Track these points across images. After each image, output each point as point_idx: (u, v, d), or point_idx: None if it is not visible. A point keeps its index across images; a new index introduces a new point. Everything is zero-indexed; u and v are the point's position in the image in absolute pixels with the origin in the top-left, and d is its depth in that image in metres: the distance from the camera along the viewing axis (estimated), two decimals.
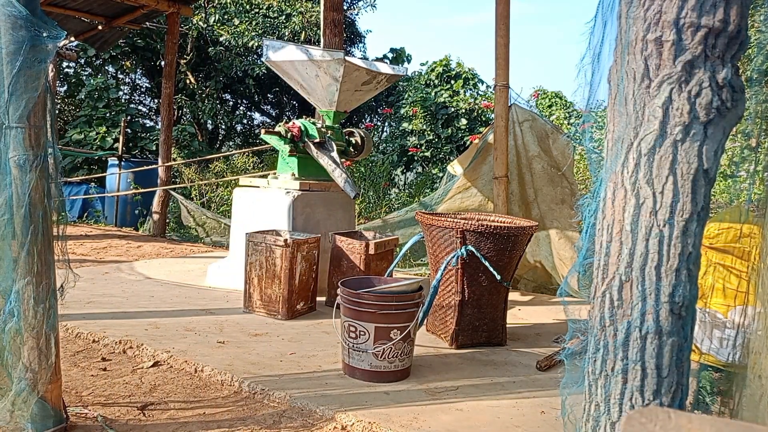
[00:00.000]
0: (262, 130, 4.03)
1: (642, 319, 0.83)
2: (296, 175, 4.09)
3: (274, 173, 4.29)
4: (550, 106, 11.06)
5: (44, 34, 1.76)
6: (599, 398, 0.86)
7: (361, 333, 2.44)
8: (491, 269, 2.91)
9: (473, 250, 2.86)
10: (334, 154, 3.97)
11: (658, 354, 0.82)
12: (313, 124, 4.04)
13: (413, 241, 3.36)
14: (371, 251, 3.53)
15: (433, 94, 9.59)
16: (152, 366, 2.58)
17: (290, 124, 3.99)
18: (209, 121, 12.59)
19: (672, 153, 0.82)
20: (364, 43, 13.22)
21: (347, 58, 3.97)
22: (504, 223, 3.26)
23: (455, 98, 9.50)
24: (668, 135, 0.82)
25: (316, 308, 3.59)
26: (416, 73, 10.71)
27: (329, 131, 4.17)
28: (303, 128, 3.99)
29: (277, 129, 3.95)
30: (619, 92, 0.87)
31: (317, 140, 3.98)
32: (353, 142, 4.46)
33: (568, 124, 9.83)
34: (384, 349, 2.43)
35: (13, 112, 1.75)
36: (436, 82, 9.92)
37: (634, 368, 0.83)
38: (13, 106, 1.75)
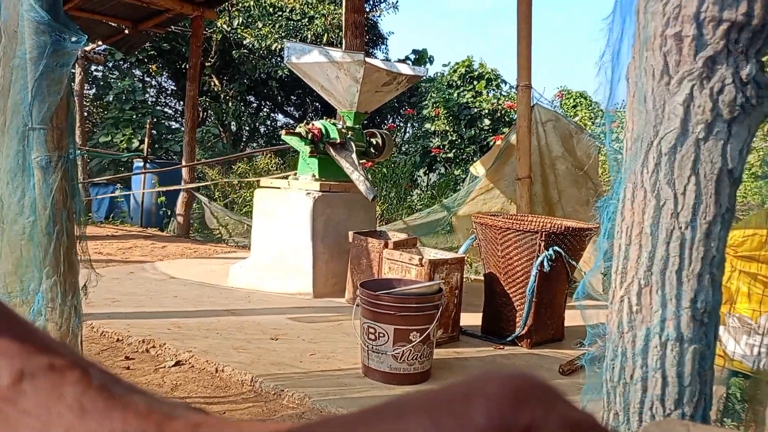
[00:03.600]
0: (283, 132, 4.05)
1: (662, 326, 0.79)
2: (317, 176, 4.10)
3: (295, 174, 4.31)
4: (574, 106, 10.92)
5: (66, 39, 1.79)
6: (618, 407, 0.83)
7: (381, 335, 2.43)
8: (575, 265, 3.07)
9: (561, 251, 2.92)
10: (354, 156, 3.97)
11: (679, 362, 0.79)
12: (334, 125, 4.05)
13: (467, 245, 3.43)
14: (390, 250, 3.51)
15: (455, 94, 9.54)
16: (174, 365, 2.61)
17: (311, 125, 4.00)
18: (233, 123, 12.73)
19: (694, 152, 0.79)
20: (387, 45, 13.23)
21: (367, 59, 3.96)
22: (570, 225, 3.26)
23: (478, 99, 9.43)
24: (690, 133, 0.79)
25: (458, 338, 3.14)
26: (439, 74, 10.67)
27: (350, 132, 4.17)
28: (323, 129, 3.99)
29: (297, 130, 3.96)
30: (638, 90, 0.84)
31: (338, 141, 3.99)
32: (374, 143, 4.45)
33: (593, 124, 9.69)
34: (403, 351, 2.41)
35: (37, 114, 1.77)
36: (459, 82, 9.87)
37: (654, 376, 0.80)
38: (36, 108, 1.78)
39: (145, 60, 11.85)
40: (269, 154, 9.03)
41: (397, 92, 4.44)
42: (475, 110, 9.28)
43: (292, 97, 13.32)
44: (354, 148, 4.03)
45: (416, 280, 2.89)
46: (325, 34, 10.73)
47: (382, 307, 2.42)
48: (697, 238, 0.79)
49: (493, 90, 9.88)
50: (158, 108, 12.22)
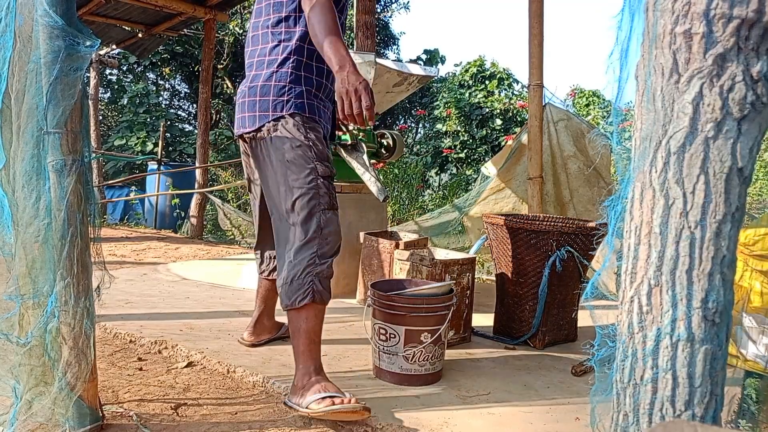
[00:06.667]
0: None
1: (673, 326, 0.79)
2: None
3: None
4: (587, 105, 10.85)
5: (80, 43, 1.81)
6: (628, 408, 0.83)
7: (392, 336, 2.43)
8: (587, 265, 3.02)
9: (573, 251, 2.90)
10: (365, 157, 3.97)
11: (690, 362, 0.78)
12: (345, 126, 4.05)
13: (479, 245, 3.42)
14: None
15: (467, 94, 9.51)
16: (186, 366, 2.63)
17: None
18: None
19: (703, 151, 0.78)
20: (398, 45, 13.24)
21: (378, 59, 3.97)
22: (581, 223, 3.21)
23: (490, 98, 9.41)
24: (699, 132, 0.78)
25: (470, 338, 3.11)
26: (450, 74, 10.65)
27: (360, 133, 4.17)
28: None
29: None
30: (646, 88, 0.83)
31: (348, 143, 3.99)
32: (385, 143, 4.45)
33: (606, 123, 9.62)
34: (414, 352, 2.41)
35: (51, 118, 1.80)
36: (470, 82, 9.84)
37: (665, 377, 0.79)
38: (51, 112, 1.80)
39: (159, 63, 11.97)
40: None
41: (408, 93, 4.44)
42: (487, 110, 9.26)
43: None
44: (365, 149, 4.03)
45: (427, 280, 2.89)
46: None
47: (393, 308, 2.42)
48: (707, 237, 0.78)
49: (505, 89, 9.84)
50: (172, 111, 12.33)
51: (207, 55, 7.18)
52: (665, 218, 0.80)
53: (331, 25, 2.00)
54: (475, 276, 3.24)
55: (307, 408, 2.02)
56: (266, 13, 2.27)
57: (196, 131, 11.03)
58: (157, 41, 8.24)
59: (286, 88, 2.19)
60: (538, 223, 3.18)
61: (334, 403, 1.98)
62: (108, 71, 11.70)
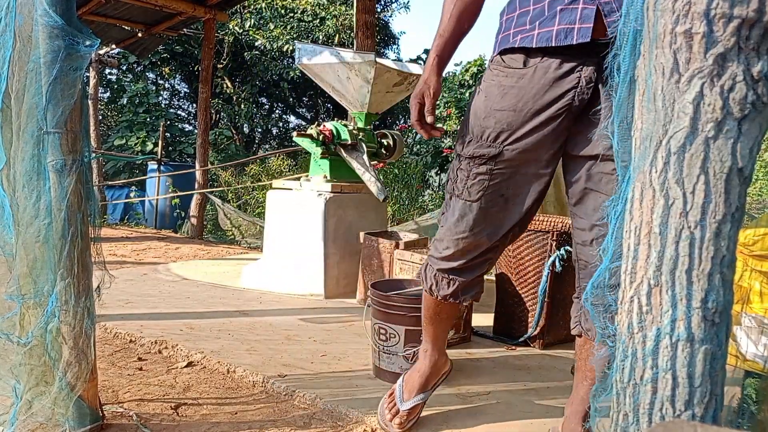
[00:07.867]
0: (295, 133, 4.06)
1: (672, 326, 0.79)
2: (328, 178, 4.11)
3: (307, 176, 4.33)
4: None
5: (80, 43, 1.81)
6: (628, 408, 0.83)
7: (392, 335, 2.43)
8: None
9: (572, 250, 2.90)
10: (365, 157, 3.98)
11: (689, 362, 0.78)
12: (345, 126, 4.06)
13: None
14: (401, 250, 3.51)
15: (467, 94, 9.51)
16: (186, 366, 2.63)
17: (322, 126, 4.01)
18: (246, 125, 12.81)
19: (703, 151, 0.78)
20: (398, 45, 13.26)
21: (378, 59, 3.97)
22: None
23: None
24: (699, 132, 0.78)
25: (470, 338, 3.13)
26: (450, 74, 10.65)
27: (361, 133, 4.18)
28: (335, 131, 4.00)
29: (309, 132, 3.98)
30: (647, 88, 0.83)
31: (349, 143, 3.99)
32: (385, 143, 4.46)
33: None
34: (414, 351, 2.41)
35: (51, 117, 1.80)
36: (471, 82, 9.84)
37: (665, 377, 0.79)
38: (50, 112, 1.80)
39: (158, 63, 11.97)
40: (281, 156, 9.07)
41: (408, 92, 4.44)
42: None
43: (304, 98, 13.38)
44: (365, 149, 4.03)
45: None
46: (337, 35, 10.76)
47: (393, 307, 2.42)
48: (706, 237, 0.78)
49: None
50: (171, 111, 12.34)
51: (207, 54, 7.19)
52: (665, 218, 0.80)
53: (446, 6, 1.78)
54: None
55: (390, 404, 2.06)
56: None
57: (195, 131, 11.03)
58: (156, 41, 8.24)
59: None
60: (538, 223, 3.17)
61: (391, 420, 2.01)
62: (108, 71, 11.70)
